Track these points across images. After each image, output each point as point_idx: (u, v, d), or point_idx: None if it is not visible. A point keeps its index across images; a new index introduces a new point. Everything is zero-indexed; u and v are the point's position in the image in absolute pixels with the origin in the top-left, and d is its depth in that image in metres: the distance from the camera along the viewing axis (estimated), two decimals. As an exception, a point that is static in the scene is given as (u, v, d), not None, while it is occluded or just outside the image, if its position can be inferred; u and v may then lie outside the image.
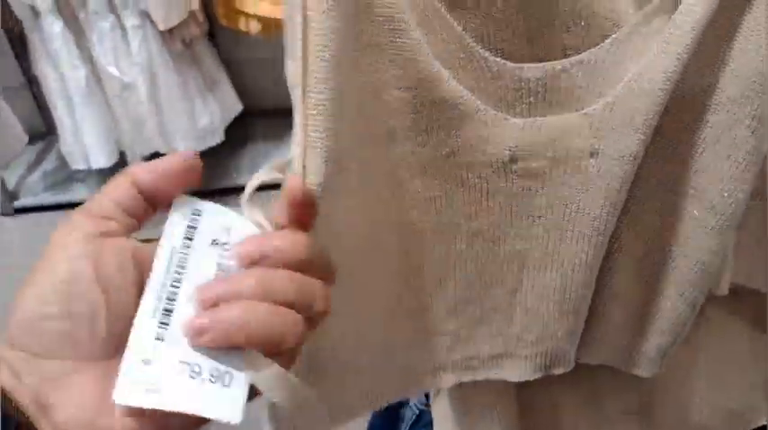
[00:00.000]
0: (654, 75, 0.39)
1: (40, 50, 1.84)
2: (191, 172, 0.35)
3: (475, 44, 0.39)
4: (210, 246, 0.34)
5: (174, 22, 1.79)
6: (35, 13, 1.78)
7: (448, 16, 0.39)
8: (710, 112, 0.41)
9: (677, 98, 0.40)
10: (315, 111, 0.36)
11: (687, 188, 0.44)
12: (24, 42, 2.07)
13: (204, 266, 0.34)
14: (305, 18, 0.34)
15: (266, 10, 1.86)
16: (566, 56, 0.40)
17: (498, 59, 0.40)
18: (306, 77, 0.35)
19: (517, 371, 0.49)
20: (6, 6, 1.79)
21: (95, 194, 0.35)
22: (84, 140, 1.93)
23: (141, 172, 0.34)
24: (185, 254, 0.34)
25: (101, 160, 1.94)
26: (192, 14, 1.86)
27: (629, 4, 0.39)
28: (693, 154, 0.42)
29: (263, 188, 0.40)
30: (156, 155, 1.99)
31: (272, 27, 1.92)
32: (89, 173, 2.15)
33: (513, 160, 0.41)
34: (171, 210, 0.35)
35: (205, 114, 1.98)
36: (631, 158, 0.40)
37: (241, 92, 2.14)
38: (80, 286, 0.32)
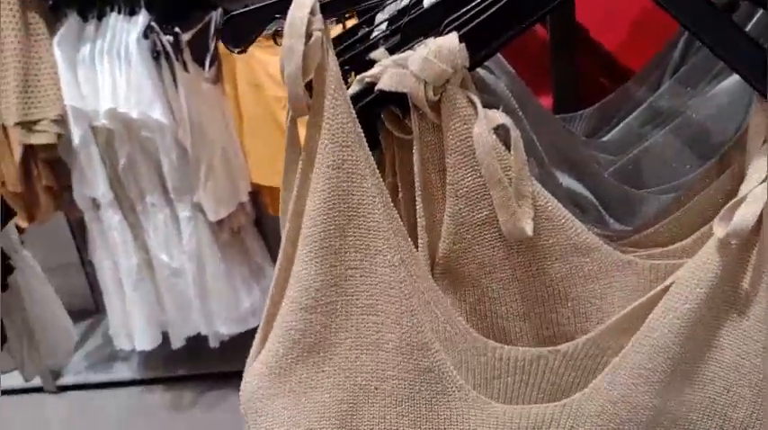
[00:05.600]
0: (626, 371, 0.43)
1: (99, 239, 1.97)
2: None
3: (462, 320, 0.45)
4: None
5: (224, 214, 1.92)
6: (96, 205, 1.93)
7: (441, 294, 0.44)
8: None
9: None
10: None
11: None
12: (83, 226, 2.22)
13: None
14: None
15: (309, 202, 1.99)
16: (557, 333, 0.45)
17: (481, 337, 0.45)
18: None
19: None
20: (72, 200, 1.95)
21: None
22: (130, 323, 2.01)
23: None
24: None
25: (145, 342, 2.00)
26: (240, 205, 1.99)
27: (616, 291, 0.44)
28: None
29: None
30: (198, 335, 2.06)
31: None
32: (132, 352, 2.22)
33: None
34: None
35: (248, 299, 2.05)
36: None
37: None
38: None
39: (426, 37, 0.46)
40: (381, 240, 0.42)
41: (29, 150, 1.83)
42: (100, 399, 2.23)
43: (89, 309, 2.54)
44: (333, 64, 0.42)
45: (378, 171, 0.43)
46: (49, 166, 1.88)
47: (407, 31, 0.50)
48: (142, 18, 1.76)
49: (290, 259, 0.45)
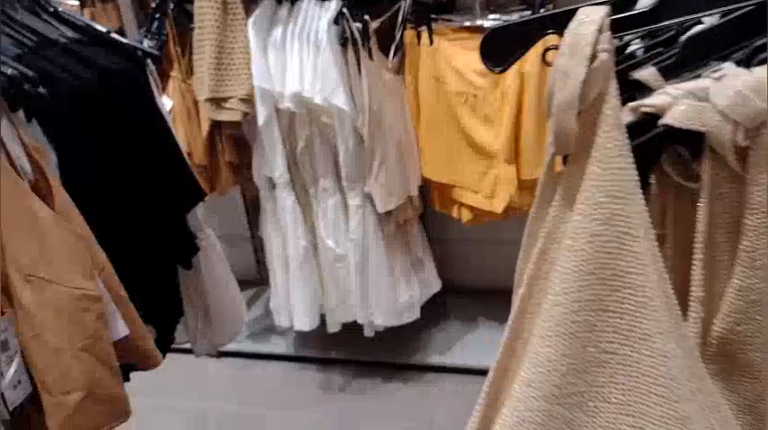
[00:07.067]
0: None
1: (271, 218, 2.02)
2: None
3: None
4: None
5: (392, 206, 1.90)
6: (272, 184, 1.98)
7: (720, 398, 0.36)
8: None
9: None
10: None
11: None
12: (255, 201, 2.30)
13: None
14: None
15: (479, 202, 1.92)
16: None
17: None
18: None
19: None
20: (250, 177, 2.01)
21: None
22: (292, 302, 2.05)
23: None
24: None
25: (304, 323, 2.03)
26: (409, 199, 1.96)
27: None
28: None
29: None
30: (354, 323, 2.06)
31: (482, 217, 1.97)
32: (289, 328, 2.26)
33: None
34: None
35: (407, 292, 2.03)
36: None
37: (441, 268, 2.19)
38: None
39: (708, 61, 0.38)
40: (652, 322, 0.33)
41: (215, 126, 1.91)
42: (256, 369, 2.30)
43: (253, 280, 2.63)
44: (613, 96, 0.34)
45: (653, 231, 0.34)
46: (233, 143, 1.94)
47: (687, 52, 0.41)
48: (334, 4, 1.76)
49: (516, 330, 0.38)
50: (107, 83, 0.85)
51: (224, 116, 1.82)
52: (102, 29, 0.95)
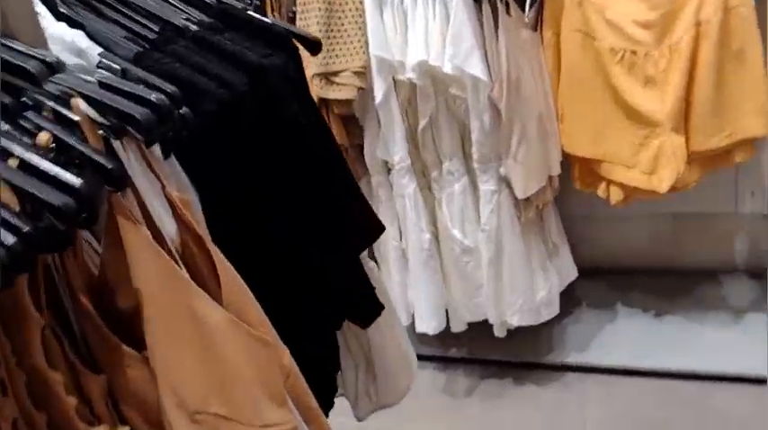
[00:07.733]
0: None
1: (385, 205, 1.75)
2: None
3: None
4: None
5: (534, 189, 1.61)
6: (387, 168, 1.70)
7: None
8: None
9: None
10: None
11: None
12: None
13: None
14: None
15: (635, 179, 1.61)
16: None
17: None
18: None
19: None
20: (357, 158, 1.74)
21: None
22: (412, 301, 1.79)
23: None
24: None
25: (430, 326, 1.77)
26: (549, 179, 1.66)
27: None
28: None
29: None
30: (484, 322, 1.80)
31: (637, 196, 1.66)
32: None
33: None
34: None
35: (544, 286, 1.75)
36: None
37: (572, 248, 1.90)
38: None
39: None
40: None
41: (322, 104, 1.63)
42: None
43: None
44: None
45: None
46: (342, 123, 1.66)
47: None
48: (465, -51, 1.44)
49: None
50: (260, 87, 0.58)
51: (335, 94, 1.53)
52: (237, 3, 0.67)
